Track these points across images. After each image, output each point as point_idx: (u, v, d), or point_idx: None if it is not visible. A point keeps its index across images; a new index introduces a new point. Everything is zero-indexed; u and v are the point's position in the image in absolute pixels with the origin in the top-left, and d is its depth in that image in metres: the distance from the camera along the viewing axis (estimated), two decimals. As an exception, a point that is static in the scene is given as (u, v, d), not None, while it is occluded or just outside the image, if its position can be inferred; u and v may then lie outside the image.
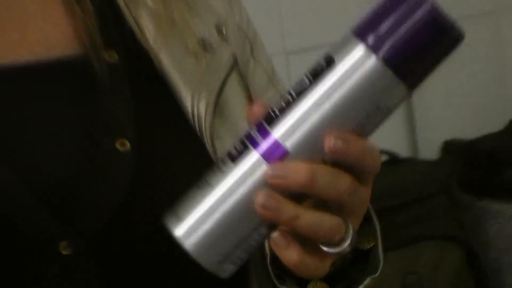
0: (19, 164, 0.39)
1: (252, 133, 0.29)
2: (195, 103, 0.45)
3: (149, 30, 0.46)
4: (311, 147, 0.28)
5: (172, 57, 0.46)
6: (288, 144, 0.28)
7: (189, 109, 0.45)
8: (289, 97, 0.29)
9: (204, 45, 0.48)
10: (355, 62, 0.27)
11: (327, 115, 0.28)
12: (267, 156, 0.28)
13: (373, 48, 0.27)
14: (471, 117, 1.29)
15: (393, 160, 1.13)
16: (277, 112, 0.29)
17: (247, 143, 0.29)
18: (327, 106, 0.28)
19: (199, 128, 0.44)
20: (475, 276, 1.08)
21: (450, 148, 1.19)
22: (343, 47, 0.28)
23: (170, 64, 0.46)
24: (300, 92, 0.28)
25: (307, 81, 0.28)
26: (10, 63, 0.41)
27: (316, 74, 0.28)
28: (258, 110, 0.31)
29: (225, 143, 0.44)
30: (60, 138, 0.41)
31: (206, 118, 0.45)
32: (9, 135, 0.40)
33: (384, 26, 0.27)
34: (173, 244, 0.31)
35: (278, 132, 0.28)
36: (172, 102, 0.45)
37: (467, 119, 1.28)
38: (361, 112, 0.28)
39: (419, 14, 0.27)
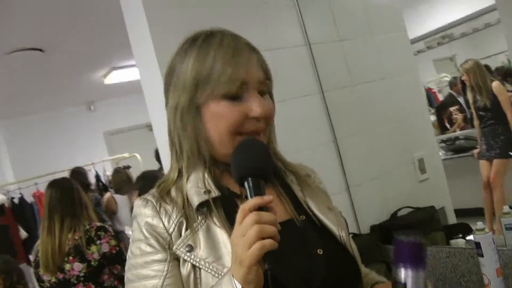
0: (289, 263, 0.94)
1: None
2: (341, 233, 1.05)
3: (309, 202, 1.10)
4: None
5: (324, 214, 1.08)
6: None
7: (337, 234, 1.05)
8: None
9: (330, 209, 1.12)
10: None
11: None
12: None
13: None
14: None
15: (354, 235, 2.32)
16: None
17: None
18: None
19: (343, 243, 1.04)
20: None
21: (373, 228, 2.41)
22: None
23: (323, 217, 1.08)
24: None
25: None
26: (281, 220, 0.97)
27: None
28: None
29: (352, 245, 1.08)
30: (298, 250, 0.98)
31: (347, 238, 1.05)
32: (280, 251, 0.84)
33: None
34: None
35: None
36: (328, 231, 1.06)
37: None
38: None
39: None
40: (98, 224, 2.83)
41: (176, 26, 2.01)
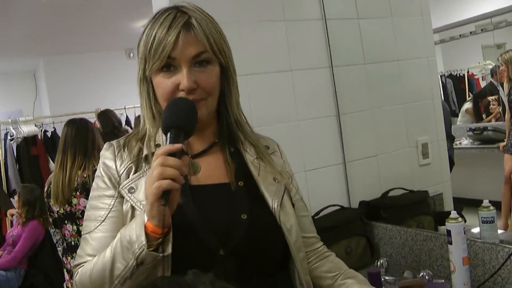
0: (209, 219, 1.07)
1: None
2: (273, 204, 1.15)
3: (255, 172, 1.19)
4: None
5: (265, 185, 1.17)
6: None
7: (270, 205, 1.14)
8: None
9: (275, 180, 1.20)
10: None
11: None
12: None
13: None
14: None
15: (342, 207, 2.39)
16: None
17: None
18: None
19: (274, 212, 1.13)
20: (370, 250, 2.28)
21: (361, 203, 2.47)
22: None
23: (263, 187, 1.17)
24: None
25: None
26: (209, 183, 1.13)
27: None
28: None
29: (285, 217, 1.15)
30: (222, 210, 1.11)
31: (277, 209, 1.14)
32: (204, 207, 1.07)
33: None
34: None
35: None
36: (263, 200, 1.15)
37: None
38: None
39: None
40: (107, 166, 2.97)
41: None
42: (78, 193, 2.86)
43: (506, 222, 2.39)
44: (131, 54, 7.85)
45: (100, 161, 1.19)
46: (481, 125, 2.93)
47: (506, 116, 2.59)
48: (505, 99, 2.65)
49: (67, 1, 4.54)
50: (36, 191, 4.47)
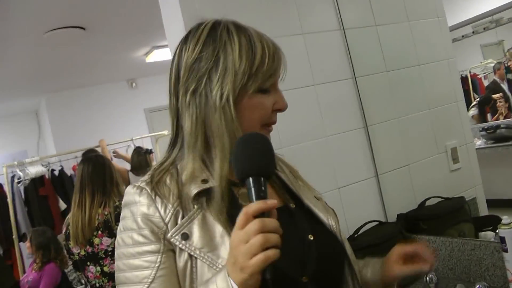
0: (282, 246, 0.82)
1: None
2: (329, 221, 1.10)
3: (299, 192, 1.13)
4: None
5: (313, 203, 1.12)
6: None
7: (326, 222, 1.09)
8: None
9: (316, 198, 1.17)
10: None
11: None
12: None
13: None
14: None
15: (380, 223, 2.34)
16: None
17: None
18: None
19: (331, 229, 1.09)
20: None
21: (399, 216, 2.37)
22: None
23: (312, 206, 1.11)
24: None
25: None
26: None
27: None
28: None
29: (344, 238, 1.14)
30: (290, 234, 0.98)
31: (335, 226, 1.10)
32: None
33: None
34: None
35: None
36: (317, 219, 1.10)
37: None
38: None
39: None
40: (128, 201, 2.87)
41: (207, 9, 2.02)
42: (99, 232, 2.75)
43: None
44: (133, 84, 7.78)
45: (132, 209, 0.99)
46: (493, 123, 2.85)
47: (515, 111, 2.48)
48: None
49: (67, 33, 4.46)
50: (48, 232, 4.35)
